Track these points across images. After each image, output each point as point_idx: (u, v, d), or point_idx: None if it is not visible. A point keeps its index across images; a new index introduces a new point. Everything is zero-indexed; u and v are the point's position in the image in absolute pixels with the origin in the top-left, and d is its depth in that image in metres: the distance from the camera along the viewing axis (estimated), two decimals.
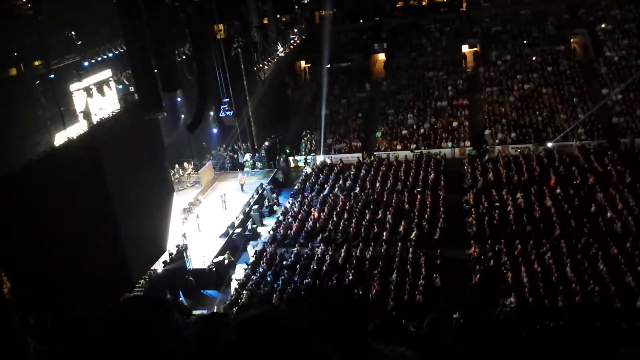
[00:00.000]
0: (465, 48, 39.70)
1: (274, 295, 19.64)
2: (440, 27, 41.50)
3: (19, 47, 17.68)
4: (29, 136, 17.76)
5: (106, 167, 17.63)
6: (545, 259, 19.56)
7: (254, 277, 21.16)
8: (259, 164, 33.39)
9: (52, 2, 18.87)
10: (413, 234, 22.45)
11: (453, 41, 39.90)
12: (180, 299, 20.31)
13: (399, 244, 21.82)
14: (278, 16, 35.66)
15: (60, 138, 18.35)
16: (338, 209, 25.76)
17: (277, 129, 35.88)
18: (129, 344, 2.05)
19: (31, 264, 14.37)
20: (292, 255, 22.22)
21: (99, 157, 17.45)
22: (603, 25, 37.38)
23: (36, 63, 18.56)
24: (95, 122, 18.87)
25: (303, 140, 35.35)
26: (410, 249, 21.35)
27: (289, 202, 28.11)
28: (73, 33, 20.47)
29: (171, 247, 21.96)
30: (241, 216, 26.50)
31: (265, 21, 33.51)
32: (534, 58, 37.00)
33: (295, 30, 40.38)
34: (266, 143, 34.62)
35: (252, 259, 22.91)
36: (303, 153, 34.44)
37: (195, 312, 20.03)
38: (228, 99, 27.77)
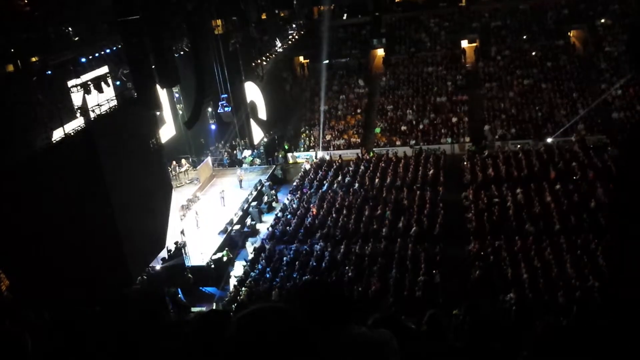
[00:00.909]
0: (464, 43, 39.55)
1: (273, 292, 19.62)
2: (439, 22, 41.32)
3: (16, 43, 17.54)
4: (26, 133, 17.66)
5: (104, 163, 17.56)
6: (545, 254, 19.53)
7: (252, 274, 21.13)
8: (257, 161, 33.32)
9: None
10: (412, 230, 22.41)
11: (452, 36, 39.76)
12: (179, 296, 20.28)
13: (398, 240, 21.78)
14: (276, 11, 35.53)
15: (57, 134, 18.25)
16: (337, 205, 25.71)
17: (275, 125, 35.83)
18: (127, 340, 2.05)
19: (29, 261, 14.31)
20: (291, 252, 22.18)
21: (96, 154, 17.38)
22: (603, 20, 37.25)
23: (33, 59, 18.43)
24: (92, 119, 18.75)
25: (302, 137, 35.26)
26: (410, 245, 21.31)
27: (287, 199, 28.06)
28: (70, 29, 20.33)
29: (170, 244, 21.90)
30: (240, 213, 26.44)
31: (264, 16, 33.35)
32: (533, 53, 36.87)
33: (294, 25, 40.20)
34: (265, 139, 34.53)
35: (250, 256, 22.88)
36: (302, 149, 34.36)
37: (194, 309, 20.03)
38: (226, 95, 27.66)
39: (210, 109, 32.24)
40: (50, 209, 15.03)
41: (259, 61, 33.68)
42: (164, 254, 21.57)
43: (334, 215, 24.78)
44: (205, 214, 26.35)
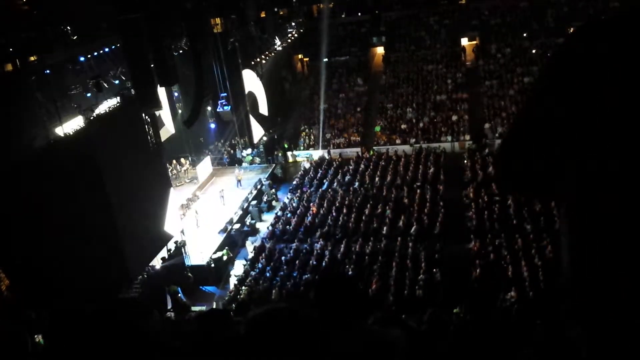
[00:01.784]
0: (464, 41, 39.51)
1: (273, 291, 19.58)
2: (439, 20, 41.27)
3: (14, 42, 17.50)
4: (25, 132, 17.62)
5: (103, 162, 17.53)
6: (546, 253, 19.49)
7: (252, 273, 21.10)
8: (257, 159, 33.28)
9: None
10: (413, 229, 22.37)
11: (452, 34, 39.71)
12: (179, 295, 20.26)
13: (399, 238, 21.74)
14: (276, 9, 35.48)
15: (56, 134, 18.22)
16: (337, 204, 25.67)
17: (275, 124, 35.77)
18: (121, 341, 2.04)
19: (29, 260, 14.29)
20: (291, 251, 22.14)
21: (95, 153, 17.35)
22: (603, 18, 37.16)
23: (32, 58, 18.39)
24: (91, 118, 18.71)
25: (301, 135, 35.22)
26: (410, 244, 21.28)
27: (287, 198, 28.02)
28: (69, 28, 20.28)
29: (169, 244, 21.86)
30: (240, 212, 26.40)
31: (263, 15, 33.31)
32: (533, 51, 36.82)
33: (293, 23, 40.15)
34: (264, 138, 34.48)
35: (250, 255, 22.84)
36: (302, 148, 34.31)
37: (194, 308, 20.01)
38: (225, 94, 27.63)
39: (209, 108, 32.23)
40: (49, 208, 14.99)
41: (258, 60, 33.66)
42: (163, 253, 21.54)
43: (334, 214, 24.75)
44: (205, 213, 26.30)
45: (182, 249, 22.19)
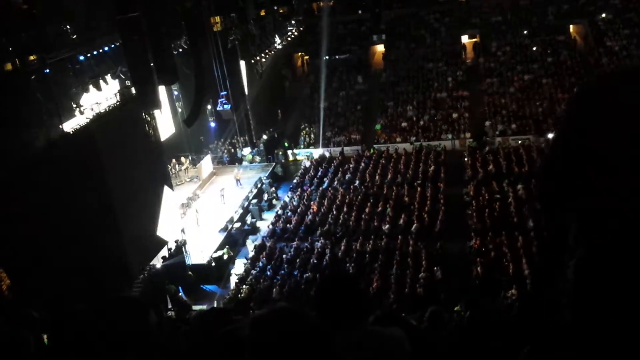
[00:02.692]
0: (464, 39, 39.47)
1: (274, 290, 19.59)
2: (439, 17, 41.23)
3: (14, 41, 17.48)
4: (25, 132, 17.61)
5: (103, 161, 17.54)
6: None
7: (253, 272, 21.10)
8: (257, 158, 33.26)
9: None
10: (413, 227, 22.37)
11: (452, 32, 39.67)
12: (180, 294, 20.27)
13: (399, 236, 21.73)
14: (275, 8, 35.42)
15: (56, 133, 18.20)
16: (338, 203, 25.66)
17: (275, 122, 35.76)
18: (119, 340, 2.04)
19: (30, 260, 14.29)
20: (292, 250, 22.14)
21: (95, 152, 17.35)
22: (603, 15, 37.14)
23: (32, 58, 18.36)
24: (92, 117, 18.70)
25: (302, 133, 35.20)
26: (411, 242, 21.27)
27: (288, 196, 28.01)
28: (68, 27, 20.25)
29: (170, 243, 21.87)
30: (240, 210, 26.40)
31: (263, 13, 33.26)
32: (534, 48, 36.77)
33: (293, 22, 40.11)
34: (264, 137, 34.49)
35: (251, 254, 22.85)
36: (302, 146, 34.30)
37: (195, 307, 20.01)
38: (225, 92, 27.62)
39: (209, 107, 32.19)
40: (50, 208, 14.99)
41: (258, 58, 33.60)
42: (164, 252, 21.55)
43: (334, 212, 24.75)
44: (205, 212, 26.30)
45: (183, 248, 22.19)
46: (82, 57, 20.35)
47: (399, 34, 40.88)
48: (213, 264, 21.97)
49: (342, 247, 21.67)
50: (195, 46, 23.31)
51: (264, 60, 34.58)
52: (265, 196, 28.52)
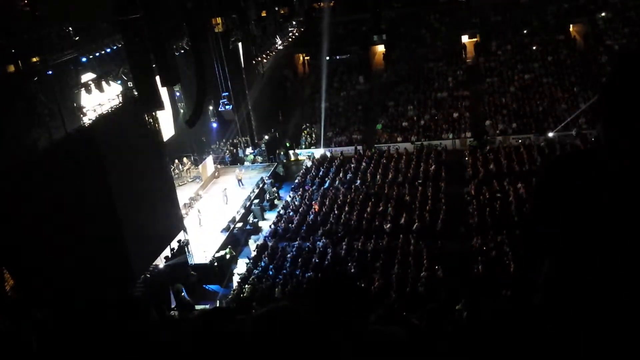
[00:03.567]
0: (465, 38, 39.49)
1: (276, 289, 19.66)
2: (439, 17, 41.24)
3: (16, 43, 17.57)
4: (28, 133, 17.71)
5: (105, 162, 17.61)
6: None
7: (255, 272, 21.18)
8: (259, 158, 33.34)
9: None
10: (414, 226, 22.43)
11: (453, 32, 39.68)
12: (183, 294, 20.35)
13: (401, 236, 21.79)
14: (276, 8, 35.46)
15: (59, 134, 18.29)
16: (339, 202, 25.73)
17: (277, 123, 35.81)
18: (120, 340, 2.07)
19: (33, 260, 14.37)
20: (294, 249, 22.21)
21: (98, 153, 17.43)
22: (603, 14, 37.14)
23: (34, 59, 18.45)
24: (94, 118, 18.78)
25: (303, 134, 35.26)
26: (412, 241, 21.32)
27: (289, 196, 28.09)
28: (70, 29, 20.34)
29: (172, 243, 21.96)
30: (242, 210, 26.48)
31: (264, 14, 33.30)
32: (534, 48, 36.79)
33: (294, 22, 40.15)
34: (266, 137, 34.56)
35: (253, 253, 22.91)
36: (303, 146, 34.37)
37: (197, 307, 20.10)
38: (227, 93, 27.68)
39: (211, 107, 32.28)
40: (52, 208, 15.08)
41: (259, 59, 33.68)
42: (167, 252, 21.63)
43: (336, 212, 24.82)
44: (207, 212, 26.39)
45: (185, 248, 22.27)
46: (84, 59, 20.45)
47: (400, 34, 40.90)
48: (215, 263, 22.05)
49: (344, 247, 21.73)
50: (197, 47, 23.38)
51: (265, 60, 34.66)
52: (267, 196, 28.60)
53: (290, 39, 39.34)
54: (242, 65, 32.24)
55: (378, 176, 28.16)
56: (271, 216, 26.57)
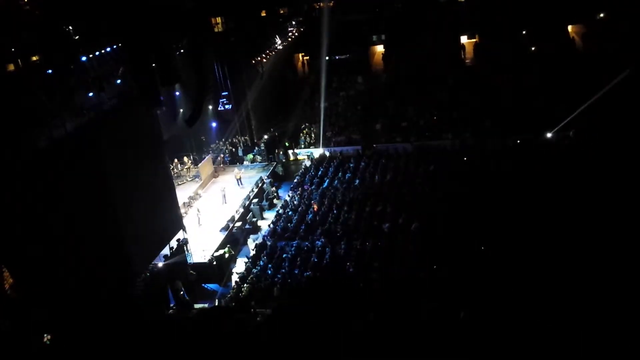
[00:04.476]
0: (464, 39, 39.54)
1: (275, 289, 19.72)
2: (439, 18, 41.21)
3: (16, 42, 17.61)
4: (28, 132, 17.72)
5: (105, 161, 17.67)
6: None
7: (254, 271, 21.24)
8: (258, 158, 33.41)
9: None
10: (413, 226, 22.46)
11: (452, 32, 39.69)
12: (182, 293, 20.42)
13: (400, 236, 21.84)
14: (276, 8, 35.53)
15: (59, 133, 18.32)
16: (338, 202, 25.78)
17: (276, 122, 35.85)
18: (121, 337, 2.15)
19: (33, 259, 14.42)
20: (293, 249, 22.26)
21: (98, 152, 17.49)
22: (602, 15, 37.17)
23: (34, 58, 18.50)
24: (94, 117, 18.81)
25: (302, 133, 35.31)
26: (411, 241, 21.36)
27: (288, 195, 28.14)
28: (70, 28, 20.37)
29: (172, 242, 22.01)
30: (241, 210, 26.55)
31: (264, 14, 33.37)
32: (533, 48, 36.81)
33: (294, 22, 40.20)
34: (265, 136, 34.62)
35: (252, 253, 22.99)
36: (302, 146, 34.42)
37: (196, 306, 20.19)
38: (227, 93, 27.73)
39: (211, 107, 32.35)
40: (52, 207, 15.13)
41: (259, 58, 33.74)
42: (166, 251, 21.70)
43: (335, 211, 24.87)
44: (206, 211, 26.47)
45: (184, 247, 22.34)
46: (84, 58, 20.49)
47: (399, 34, 40.87)
48: (214, 262, 22.12)
49: (343, 246, 21.78)
50: (197, 47, 23.43)
51: (264, 60, 34.71)
52: (266, 195, 28.66)
53: (289, 39, 39.38)
54: (242, 65, 32.29)
55: (377, 176, 28.20)
56: (270, 215, 26.64)
